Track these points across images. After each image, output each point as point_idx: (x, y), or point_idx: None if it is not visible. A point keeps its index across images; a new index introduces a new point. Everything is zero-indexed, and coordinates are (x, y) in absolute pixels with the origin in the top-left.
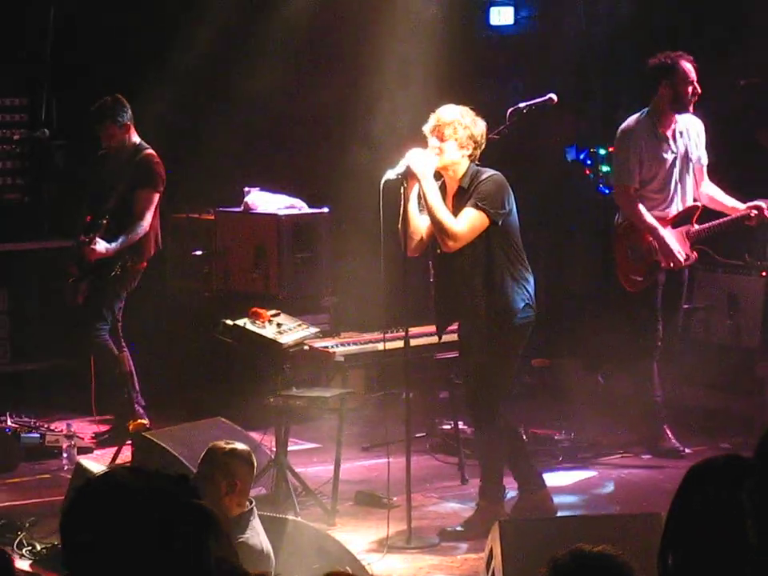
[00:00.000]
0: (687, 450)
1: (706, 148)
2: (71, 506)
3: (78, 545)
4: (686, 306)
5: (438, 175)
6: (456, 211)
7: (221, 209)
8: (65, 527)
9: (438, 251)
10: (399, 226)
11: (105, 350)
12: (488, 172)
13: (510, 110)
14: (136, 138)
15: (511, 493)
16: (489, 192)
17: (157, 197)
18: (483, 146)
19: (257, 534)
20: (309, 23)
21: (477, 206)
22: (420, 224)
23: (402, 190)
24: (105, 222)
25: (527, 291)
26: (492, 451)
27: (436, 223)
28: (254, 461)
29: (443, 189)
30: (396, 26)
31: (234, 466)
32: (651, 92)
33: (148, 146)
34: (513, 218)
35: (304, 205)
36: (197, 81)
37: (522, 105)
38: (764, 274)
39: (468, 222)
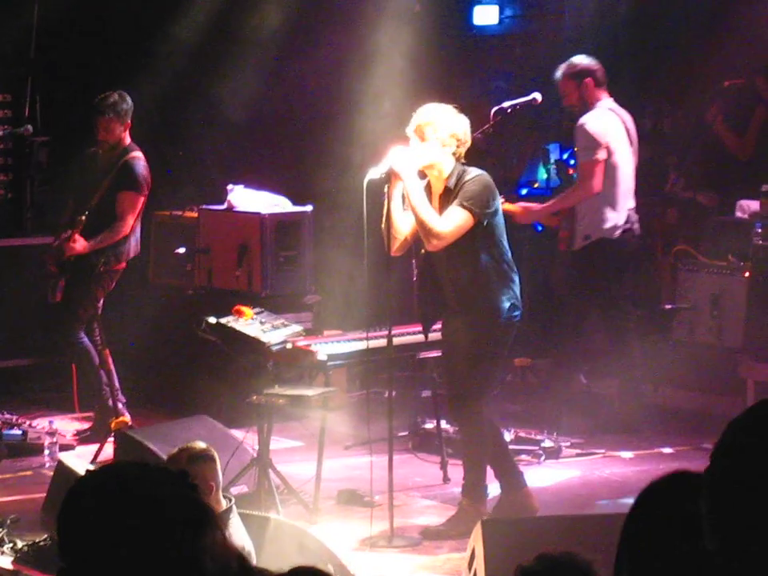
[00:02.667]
0: (669, 450)
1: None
2: (72, 498)
3: (77, 537)
4: (669, 307)
5: (422, 175)
6: (442, 211)
7: (204, 206)
8: (64, 520)
9: (423, 250)
10: (382, 225)
11: (81, 348)
12: (474, 172)
13: (494, 110)
14: (128, 139)
15: (493, 492)
16: (474, 192)
17: (141, 200)
18: (468, 143)
19: (236, 532)
20: (292, 21)
21: (462, 206)
22: (403, 223)
23: (385, 189)
24: (83, 218)
25: (512, 290)
26: (475, 450)
27: (420, 222)
28: (214, 453)
29: (428, 189)
30: (380, 24)
31: (201, 470)
32: (627, 91)
33: (137, 148)
34: (498, 218)
35: (288, 203)
36: (180, 78)
37: (506, 104)
38: (747, 274)
39: (453, 221)
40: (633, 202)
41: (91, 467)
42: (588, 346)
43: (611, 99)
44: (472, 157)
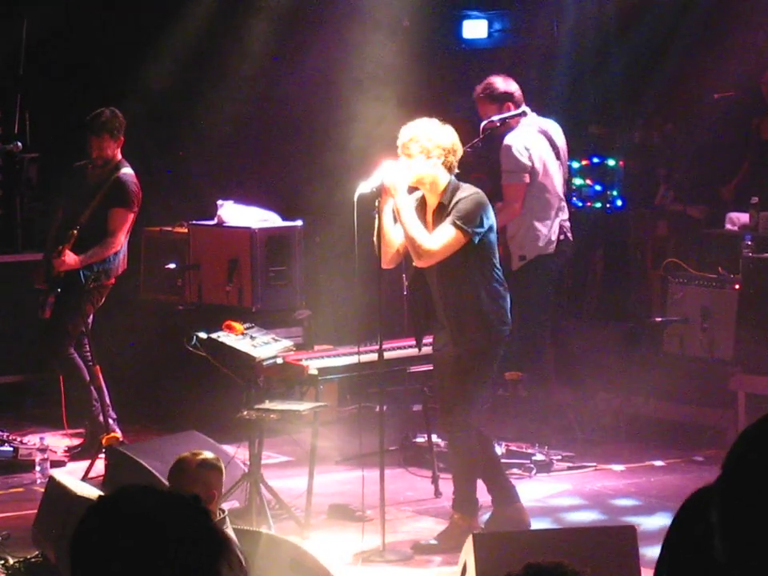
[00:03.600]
0: (661, 463)
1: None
2: (84, 528)
3: (92, 568)
4: (659, 319)
5: (415, 189)
6: (436, 227)
7: (194, 222)
8: (77, 551)
9: (414, 264)
10: (374, 238)
11: (70, 364)
12: (468, 190)
13: (483, 124)
14: (119, 155)
15: (484, 506)
16: (467, 210)
17: (131, 217)
18: (458, 152)
19: None
20: (281, 36)
21: (454, 224)
22: (395, 237)
23: (375, 203)
24: (74, 232)
25: (503, 308)
26: (465, 464)
27: (409, 239)
28: (223, 466)
29: (423, 204)
30: (370, 38)
31: (209, 476)
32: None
33: (128, 165)
34: (491, 236)
35: (277, 218)
36: (169, 94)
37: (495, 118)
38: (737, 287)
39: (443, 239)
40: (566, 212)
41: (89, 489)
42: (547, 360)
43: (533, 114)
44: (462, 171)
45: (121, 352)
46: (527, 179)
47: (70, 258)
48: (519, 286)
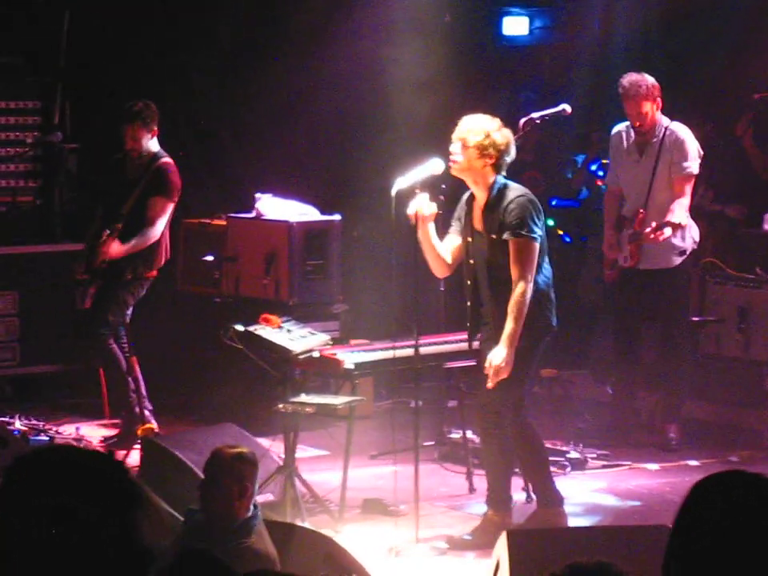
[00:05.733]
0: (696, 463)
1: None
2: (7, 476)
3: (8, 524)
4: (696, 319)
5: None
6: (485, 224)
7: (232, 215)
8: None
9: (471, 261)
10: (424, 253)
11: (109, 354)
12: (517, 190)
13: (522, 120)
14: (156, 146)
15: (519, 502)
16: (521, 216)
17: (170, 206)
18: (511, 156)
19: (262, 539)
20: (321, 31)
21: (519, 236)
22: (443, 253)
23: (415, 221)
24: (119, 226)
25: (549, 310)
26: (498, 460)
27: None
28: (257, 460)
29: (472, 198)
30: (410, 35)
31: (243, 470)
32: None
33: (166, 155)
34: (544, 236)
35: (316, 212)
36: (209, 86)
37: (535, 115)
38: None
39: (522, 260)
40: None
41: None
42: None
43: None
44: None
45: (158, 344)
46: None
47: (114, 247)
48: (677, 284)
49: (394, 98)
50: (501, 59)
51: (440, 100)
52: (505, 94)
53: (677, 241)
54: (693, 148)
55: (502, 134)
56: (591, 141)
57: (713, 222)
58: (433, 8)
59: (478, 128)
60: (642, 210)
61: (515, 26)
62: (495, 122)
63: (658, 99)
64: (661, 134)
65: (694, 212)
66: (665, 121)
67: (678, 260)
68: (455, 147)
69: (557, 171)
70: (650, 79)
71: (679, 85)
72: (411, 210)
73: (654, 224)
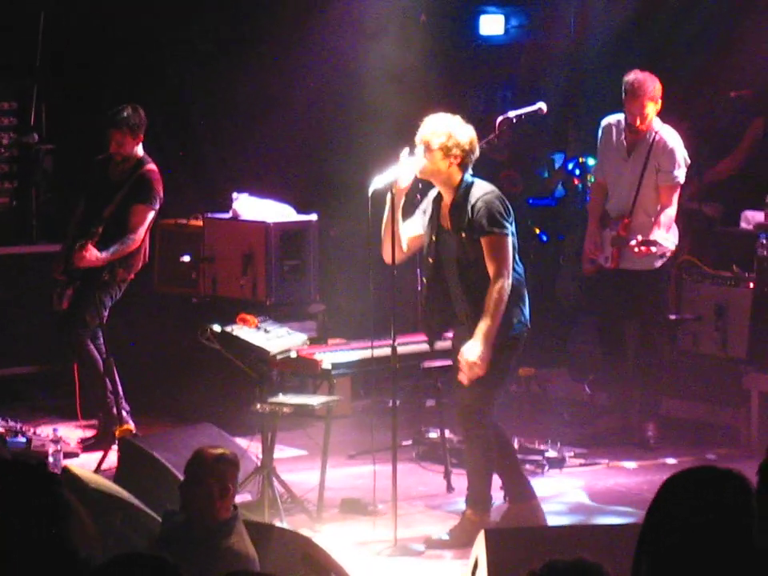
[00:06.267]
0: (673, 461)
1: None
2: None
3: None
4: (673, 317)
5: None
6: (452, 223)
7: (209, 215)
8: None
9: (431, 260)
10: (382, 232)
11: (86, 355)
12: (483, 188)
13: (499, 119)
14: (141, 152)
15: (497, 502)
16: (491, 212)
17: (152, 213)
18: (475, 154)
19: (242, 540)
20: (296, 30)
21: (492, 233)
22: (404, 233)
23: (388, 196)
24: (99, 230)
25: (523, 306)
26: (480, 460)
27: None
28: (238, 462)
29: (440, 199)
30: (386, 34)
31: (226, 470)
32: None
33: (151, 161)
34: (514, 232)
35: (292, 211)
36: (186, 86)
37: (511, 114)
38: (751, 285)
39: (497, 256)
40: None
41: (102, 481)
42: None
43: None
44: (491, 169)
45: (134, 344)
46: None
47: (91, 254)
48: (657, 285)
49: (371, 97)
50: (477, 58)
51: (417, 99)
52: (481, 92)
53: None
54: (681, 156)
55: (465, 132)
56: (567, 140)
57: (690, 220)
58: (409, 7)
59: (441, 129)
60: (627, 218)
61: (491, 24)
62: (457, 120)
63: (659, 101)
64: (651, 138)
65: None
66: (656, 124)
67: (658, 263)
68: (420, 151)
69: (531, 170)
70: (656, 80)
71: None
72: (391, 177)
73: (639, 237)
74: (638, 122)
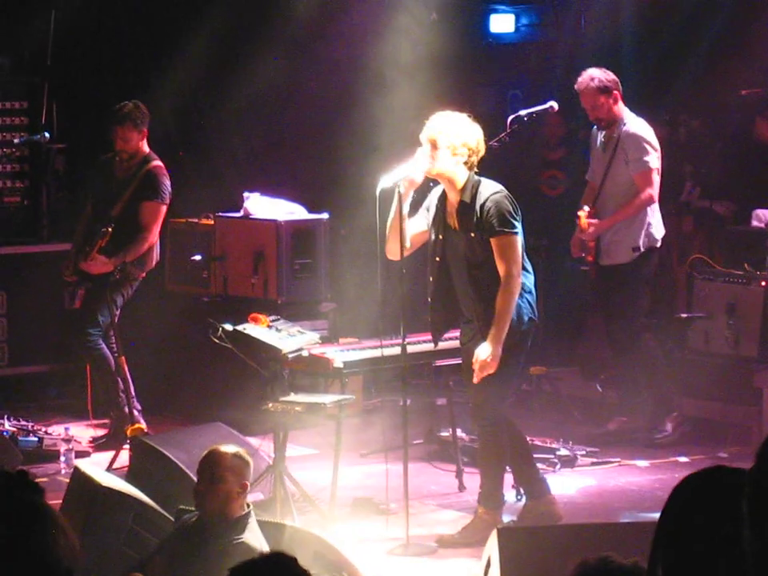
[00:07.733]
0: (685, 459)
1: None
2: None
3: None
4: (684, 315)
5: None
6: (460, 223)
7: (220, 214)
8: None
9: (437, 258)
10: (388, 228)
11: (98, 354)
12: (491, 187)
13: (510, 118)
14: (146, 148)
15: (509, 500)
16: (500, 212)
17: (163, 209)
18: (481, 153)
19: (255, 536)
20: (309, 29)
21: (502, 233)
22: (408, 229)
23: (396, 193)
24: (109, 229)
25: (530, 302)
26: (494, 459)
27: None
28: (251, 460)
29: (444, 198)
30: (397, 33)
31: (242, 467)
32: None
33: (157, 158)
34: (523, 231)
35: (303, 210)
36: (197, 86)
37: (522, 112)
38: (763, 283)
39: (509, 255)
40: None
41: (114, 480)
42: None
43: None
44: (487, 165)
45: (146, 343)
46: (658, 163)
47: (100, 261)
48: (627, 281)
49: (382, 96)
50: (487, 56)
51: (428, 98)
52: (492, 91)
53: (628, 236)
54: (647, 143)
55: (472, 131)
56: (578, 138)
57: (701, 219)
58: (420, 5)
59: (448, 128)
60: (589, 207)
61: (502, 23)
62: (464, 119)
63: (615, 93)
64: (619, 131)
65: (683, 208)
66: (626, 116)
67: (631, 256)
68: (425, 149)
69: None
70: (603, 73)
71: (665, 81)
72: (400, 174)
73: (596, 221)
74: (593, 117)
